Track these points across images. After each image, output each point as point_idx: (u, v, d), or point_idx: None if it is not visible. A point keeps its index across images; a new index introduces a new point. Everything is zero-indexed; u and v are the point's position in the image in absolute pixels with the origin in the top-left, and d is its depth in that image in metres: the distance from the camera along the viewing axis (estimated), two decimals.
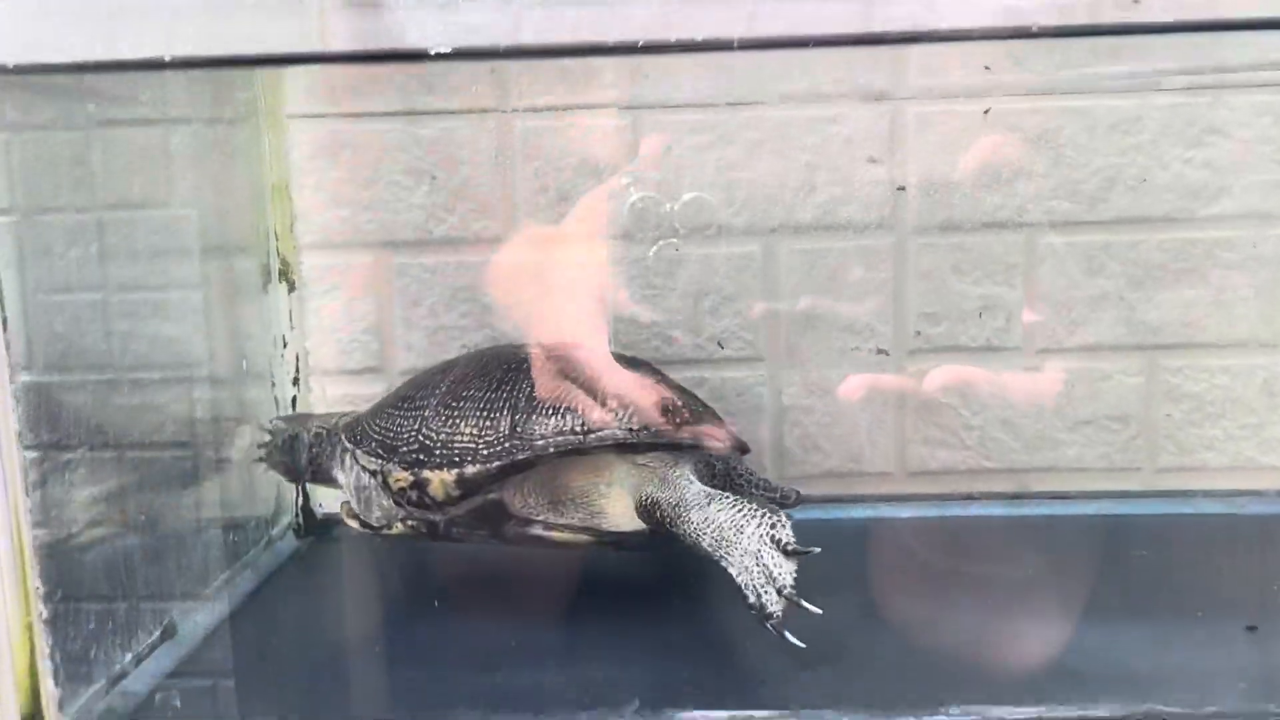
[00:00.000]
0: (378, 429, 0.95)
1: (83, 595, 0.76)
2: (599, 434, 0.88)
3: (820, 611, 0.77)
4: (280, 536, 1.13)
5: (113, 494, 0.84)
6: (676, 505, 0.86)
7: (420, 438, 0.91)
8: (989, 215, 1.18)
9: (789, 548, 0.80)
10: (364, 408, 1.05)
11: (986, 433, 1.21)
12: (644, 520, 0.89)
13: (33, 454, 0.71)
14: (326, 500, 1.19)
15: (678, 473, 0.90)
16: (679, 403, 0.93)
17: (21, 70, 0.66)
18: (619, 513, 0.91)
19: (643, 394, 0.92)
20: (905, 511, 1.18)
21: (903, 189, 1.18)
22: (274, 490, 1.15)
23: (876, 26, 0.74)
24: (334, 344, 1.22)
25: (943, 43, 0.79)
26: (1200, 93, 1.16)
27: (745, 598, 0.80)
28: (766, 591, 0.79)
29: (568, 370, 0.93)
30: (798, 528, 0.82)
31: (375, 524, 0.96)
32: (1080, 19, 0.76)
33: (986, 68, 1.13)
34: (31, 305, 0.75)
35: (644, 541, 0.92)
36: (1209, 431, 1.20)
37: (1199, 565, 1.02)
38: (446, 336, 1.22)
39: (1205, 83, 1.15)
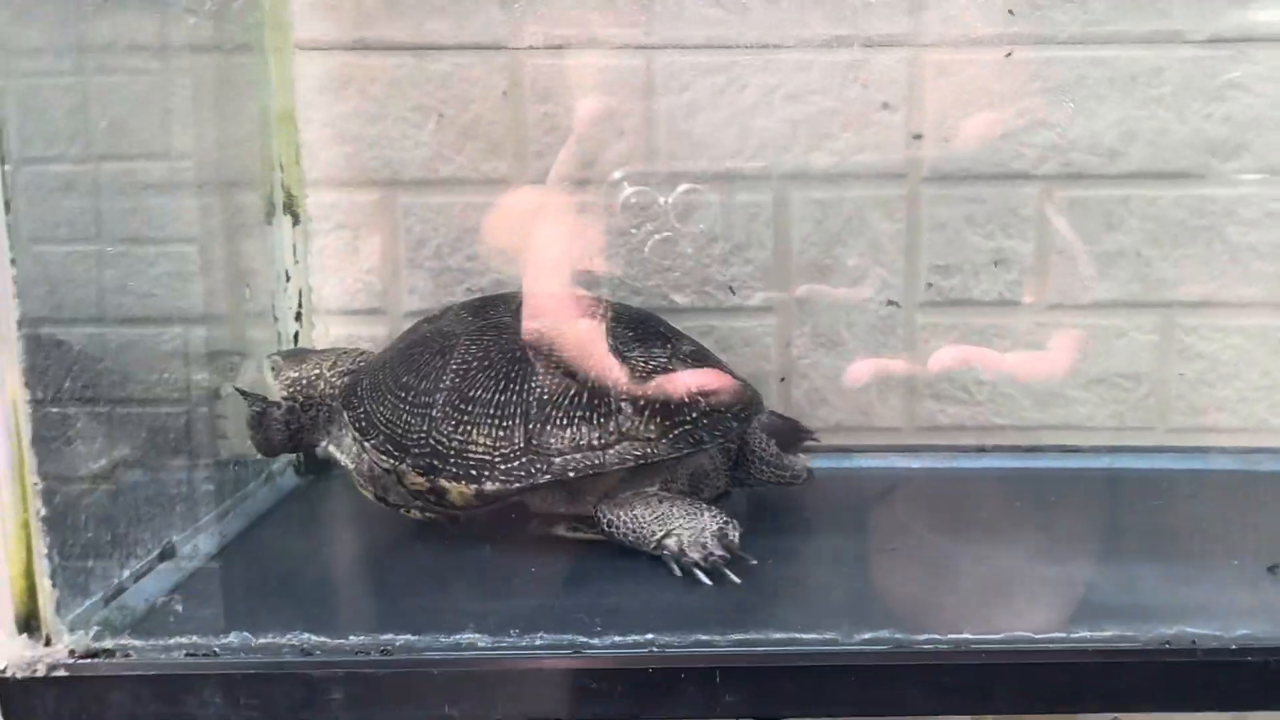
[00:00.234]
0: (384, 421, 0.91)
1: (82, 505, 0.74)
2: (617, 450, 0.85)
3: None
4: (281, 473, 1.10)
5: (113, 418, 0.82)
6: (619, 501, 0.87)
7: (432, 441, 0.87)
8: (1004, 166, 1.16)
9: (729, 542, 0.83)
10: (352, 363, 1.03)
11: (997, 389, 1.20)
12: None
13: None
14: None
15: (664, 476, 0.90)
16: (694, 389, 0.89)
17: None
18: None
19: (656, 388, 0.88)
20: (916, 462, 1.16)
21: (919, 137, 1.16)
22: None
23: None
24: (337, 283, 1.20)
25: None
26: (1222, 45, 1.14)
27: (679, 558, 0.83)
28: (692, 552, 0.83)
29: (574, 359, 0.89)
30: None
31: (391, 503, 0.94)
32: None
33: (1010, 12, 1.12)
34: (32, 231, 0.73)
35: None
36: (1221, 392, 1.19)
37: (1214, 515, 1.01)
38: (452, 279, 1.19)
39: (1227, 35, 1.14)
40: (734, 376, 0.96)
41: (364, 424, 0.91)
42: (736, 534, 0.83)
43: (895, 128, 1.17)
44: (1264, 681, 0.67)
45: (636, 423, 0.86)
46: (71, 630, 0.69)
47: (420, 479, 0.87)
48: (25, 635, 0.68)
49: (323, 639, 0.69)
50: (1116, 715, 0.71)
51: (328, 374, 1.01)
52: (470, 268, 1.19)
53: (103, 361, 0.80)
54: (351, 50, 1.16)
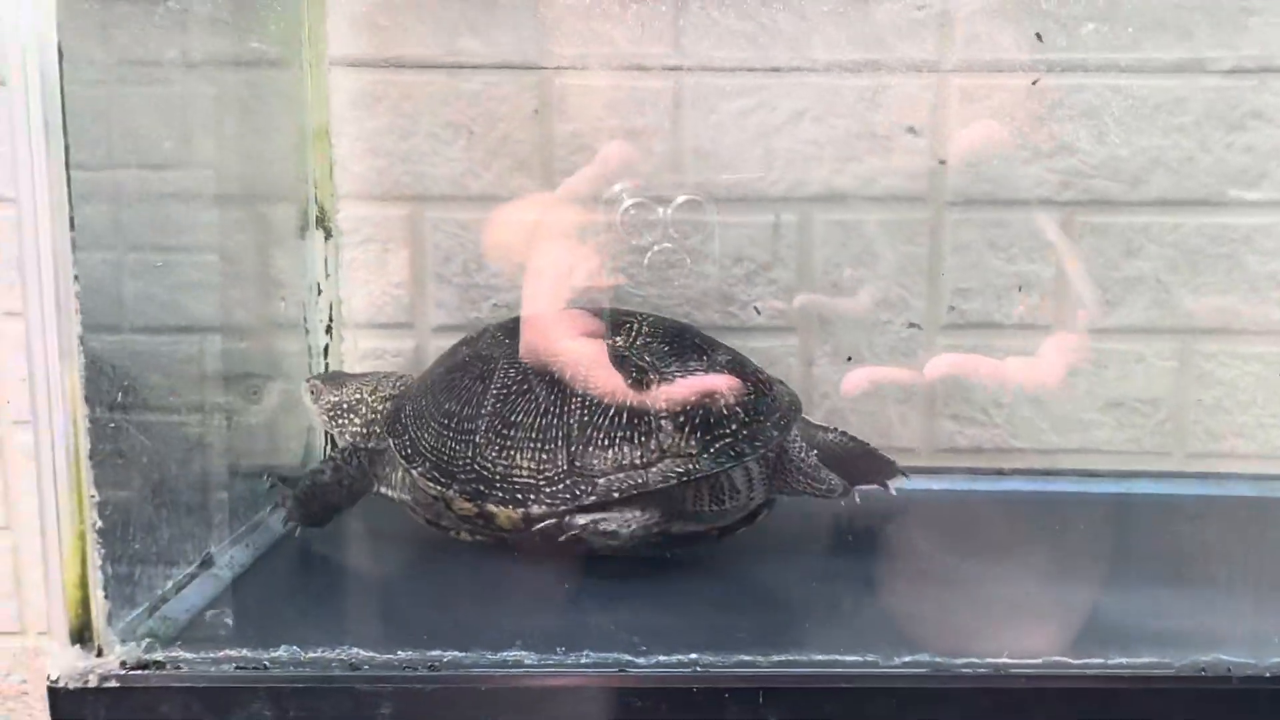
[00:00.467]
0: (429, 448, 0.92)
1: (131, 517, 0.75)
2: (659, 468, 0.86)
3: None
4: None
5: (157, 429, 0.82)
6: None
7: (477, 467, 0.89)
8: (1028, 192, 1.18)
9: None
10: (394, 388, 1.03)
11: (1015, 411, 1.21)
12: None
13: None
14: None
15: None
16: (732, 401, 0.90)
17: None
18: None
19: (694, 403, 0.89)
20: (937, 484, 1.17)
21: (943, 162, 1.18)
22: (303, 439, 1.13)
23: None
24: (366, 296, 1.21)
25: None
26: (1245, 76, 1.16)
27: None
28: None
29: (612, 378, 0.90)
30: None
31: (444, 527, 0.95)
32: None
33: (1038, 35, 1.13)
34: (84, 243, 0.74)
35: (710, 540, 0.93)
36: (1239, 418, 1.20)
37: (1235, 541, 1.02)
38: (478, 294, 1.20)
39: (1249, 66, 1.16)
40: (772, 382, 0.97)
41: (410, 451, 0.93)
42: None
43: (920, 152, 1.18)
44: None
45: (677, 439, 0.87)
46: (122, 641, 0.70)
47: (468, 504, 0.89)
48: (78, 646, 0.68)
49: (371, 654, 0.70)
50: None
51: (369, 399, 1.01)
52: (496, 283, 1.20)
53: (148, 373, 0.81)
54: (385, 67, 1.17)
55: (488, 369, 0.93)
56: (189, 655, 0.70)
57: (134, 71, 0.83)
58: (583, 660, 0.70)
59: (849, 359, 1.20)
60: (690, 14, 1.16)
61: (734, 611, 0.82)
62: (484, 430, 0.89)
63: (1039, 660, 0.70)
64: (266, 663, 0.69)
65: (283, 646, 0.70)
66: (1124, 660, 0.70)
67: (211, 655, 0.70)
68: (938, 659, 0.71)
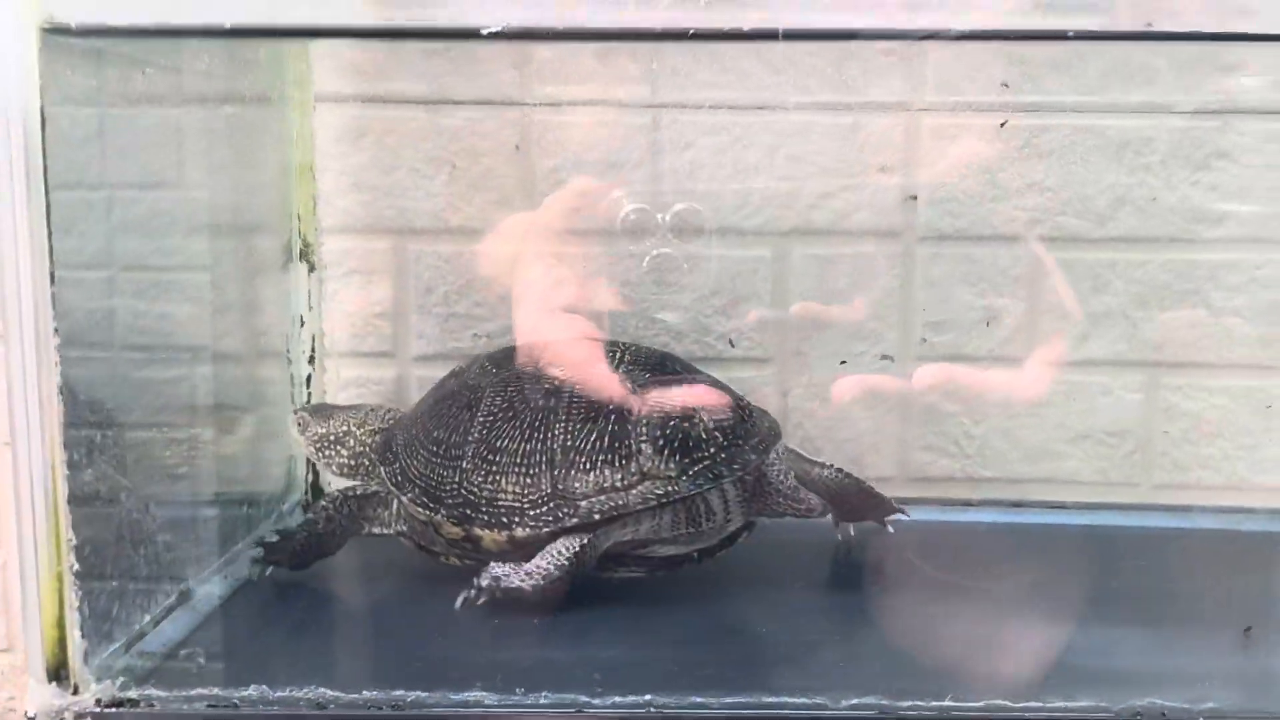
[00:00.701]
0: (418, 474, 0.95)
1: (106, 555, 0.77)
2: (639, 490, 0.89)
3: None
4: (290, 513, 1.14)
5: (133, 463, 0.85)
6: None
7: (463, 492, 0.92)
8: (997, 228, 1.20)
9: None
10: (382, 422, 1.05)
11: (986, 442, 1.23)
12: None
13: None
14: (337, 479, 1.19)
15: None
16: (711, 425, 0.93)
17: (86, 32, 0.68)
18: None
19: (675, 425, 0.91)
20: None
21: (914, 198, 1.20)
22: (284, 467, 1.16)
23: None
24: (349, 326, 1.23)
25: (965, 41, 0.81)
26: (1210, 117, 1.18)
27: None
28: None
29: (595, 405, 0.92)
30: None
31: (434, 552, 0.97)
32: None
33: (1004, 84, 1.16)
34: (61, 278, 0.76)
35: (690, 563, 0.95)
36: (1205, 450, 1.23)
37: (1195, 576, 1.04)
38: (459, 324, 1.23)
39: (1213, 107, 1.18)
40: (751, 408, 0.99)
41: (400, 479, 0.95)
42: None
43: (891, 189, 1.21)
44: None
45: (657, 462, 0.90)
46: (98, 679, 0.72)
47: (455, 529, 0.92)
48: (54, 684, 0.71)
49: (337, 694, 0.72)
50: None
51: (357, 432, 1.04)
52: (477, 314, 1.23)
53: (129, 405, 0.83)
54: (368, 103, 1.20)
55: (475, 397, 0.96)
56: (162, 694, 0.72)
57: (120, 105, 0.86)
58: (541, 700, 0.72)
59: (843, 362, 1.22)
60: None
61: (699, 647, 0.84)
62: (470, 456, 0.92)
63: (981, 703, 0.73)
64: (237, 701, 0.72)
65: (252, 686, 0.72)
66: (1062, 703, 0.73)
67: (184, 694, 0.72)
68: (884, 701, 0.73)
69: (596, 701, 0.72)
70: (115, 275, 0.85)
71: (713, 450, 0.91)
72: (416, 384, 1.22)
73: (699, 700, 0.73)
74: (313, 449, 1.05)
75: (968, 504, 1.22)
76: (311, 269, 1.19)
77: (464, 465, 0.92)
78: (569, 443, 0.91)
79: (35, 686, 0.70)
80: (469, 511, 0.91)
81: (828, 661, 0.82)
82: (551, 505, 0.89)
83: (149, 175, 0.92)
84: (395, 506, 0.98)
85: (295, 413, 1.08)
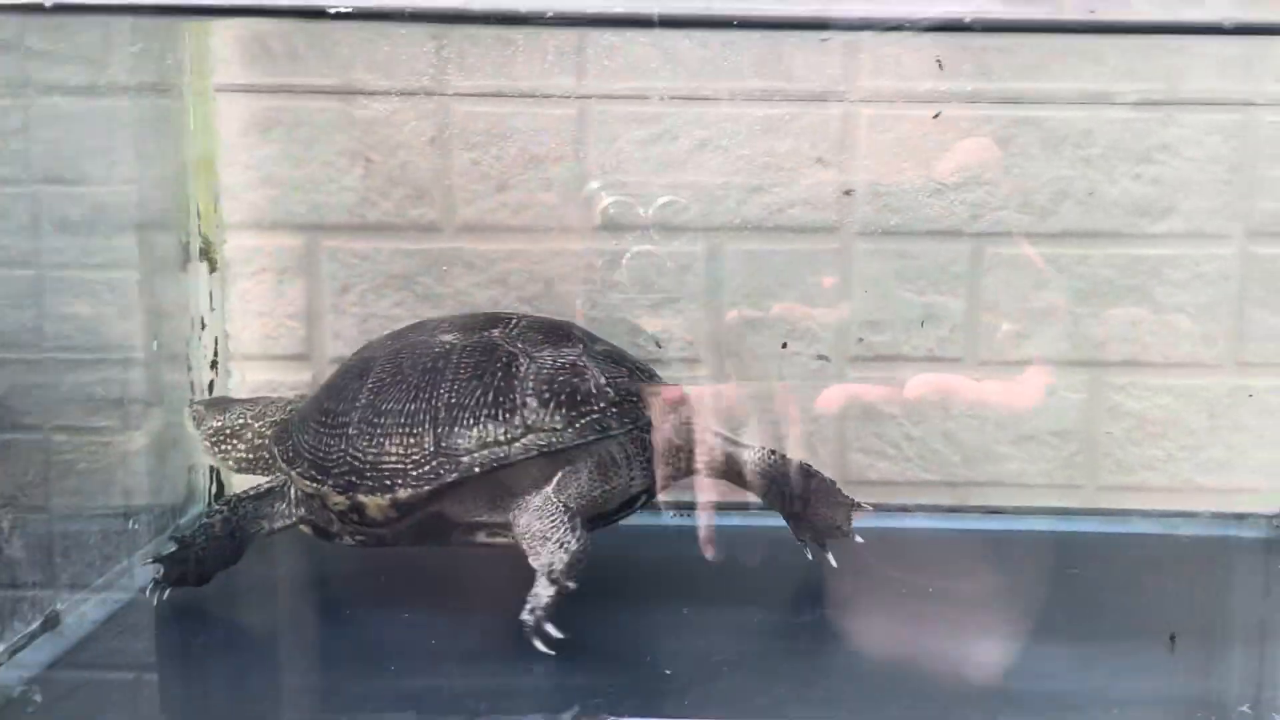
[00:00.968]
0: (308, 447, 0.92)
1: None
2: (523, 442, 0.86)
3: (561, 635, 0.80)
4: (189, 526, 1.08)
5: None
6: (521, 504, 0.87)
7: (349, 459, 0.89)
8: (935, 223, 1.16)
9: (554, 576, 0.83)
10: (282, 414, 1.01)
11: (927, 444, 1.20)
12: None
13: None
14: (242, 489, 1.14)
15: (566, 467, 0.88)
16: (602, 381, 0.90)
17: None
18: None
19: (563, 380, 0.89)
20: None
21: (850, 193, 1.16)
22: (184, 477, 1.10)
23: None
24: (258, 328, 1.18)
25: (893, 32, 0.78)
26: (1152, 108, 1.15)
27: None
28: (531, 602, 0.83)
29: (482, 362, 0.90)
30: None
31: (332, 534, 0.93)
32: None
33: (938, 61, 1.11)
34: None
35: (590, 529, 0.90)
36: (1150, 451, 1.19)
37: (1127, 585, 1.01)
38: (378, 324, 1.18)
39: (1157, 98, 1.14)
40: (654, 374, 0.97)
41: (290, 455, 0.93)
42: (545, 600, 0.83)
43: (827, 183, 1.16)
44: None
45: (542, 415, 0.88)
46: None
47: (340, 498, 0.88)
48: None
49: None
50: None
51: (255, 425, 1.00)
52: (396, 314, 1.18)
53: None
54: (277, 94, 1.14)
55: (366, 367, 0.93)
56: None
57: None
58: None
59: (826, 357, 1.18)
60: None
61: (594, 670, 0.80)
62: (356, 422, 0.89)
63: None
64: None
65: None
66: None
67: None
68: None
69: None
70: None
71: (602, 405, 0.89)
72: None
73: None
74: (208, 443, 1.01)
75: (904, 509, 1.18)
76: (213, 268, 1.13)
77: (350, 432, 0.89)
78: (453, 400, 0.88)
79: None
80: (354, 479, 0.88)
81: (740, 685, 0.78)
82: (434, 463, 0.86)
83: (28, 170, 0.86)
84: (293, 492, 0.94)
85: (190, 406, 1.04)
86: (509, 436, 0.87)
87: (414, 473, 0.86)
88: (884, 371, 1.19)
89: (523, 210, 1.16)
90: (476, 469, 0.85)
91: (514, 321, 0.96)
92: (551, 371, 0.90)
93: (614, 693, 0.75)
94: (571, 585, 0.83)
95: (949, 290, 1.17)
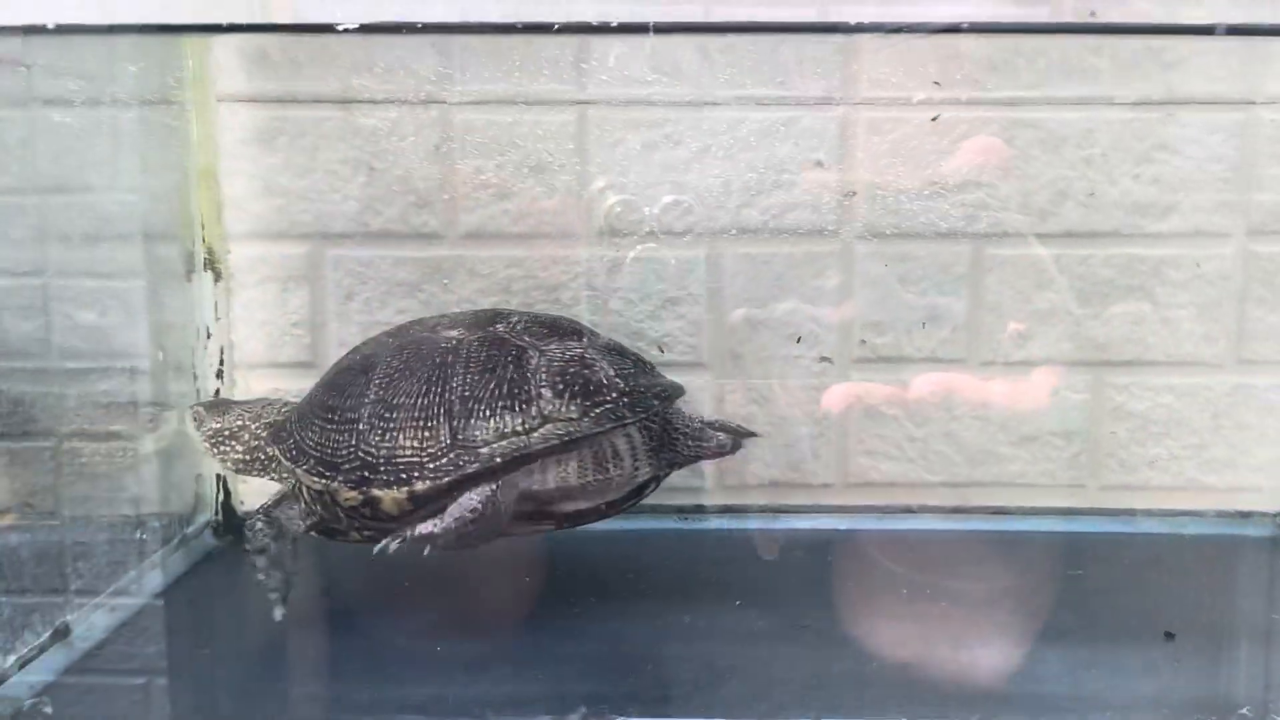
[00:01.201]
0: (313, 445, 0.91)
1: None
2: (542, 432, 0.87)
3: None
4: (196, 535, 1.08)
5: (10, 485, 0.80)
6: None
7: (360, 454, 0.88)
8: (936, 224, 1.16)
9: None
10: (279, 414, 1.01)
11: (929, 445, 1.20)
12: None
13: None
14: (250, 498, 1.15)
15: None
16: (612, 373, 0.91)
17: None
18: None
19: (575, 372, 0.90)
20: (844, 523, 1.16)
21: (851, 195, 1.16)
22: (192, 487, 1.11)
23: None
24: (263, 337, 1.18)
25: (901, 33, 0.78)
26: (1151, 108, 1.15)
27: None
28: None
29: (493, 355, 0.91)
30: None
31: (337, 533, 0.93)
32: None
33: (936, 83, 1.12)
34: None
35: (599, 516, 0.92)
36: (1153, 450, 1.19)
37: (1130, 585, 1.01)
38: (381, 331, 1.18)
39: (1156, 98, 1.14)
40: (654, 366, 0.97)
41: (295, 453, 0.92)
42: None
43: (828, 186, 1.17)
44: None
45: (558, 405, 0.88)
46: None
47: (353, 493, 0.88)
48: None
49: None
50: None
51: (252, 426, 1.00)
52: (400, 321, 1.18)
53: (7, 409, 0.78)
54: (280, 103, 1.15)
55: (369, 364, 0.94)
56: None
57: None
58: None
59: (829, 359, 1.18)
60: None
61: (601, 678, 0.80)
62: (367, 417, 0.89)
63: None
64: None
65: None
66: None
67: None
68: None
69: None
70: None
71: (614, 395, 0.90)
72: None
73: None
74: (208, 444, 1.01)
75: (907, 510, 1.18)
76: (218, 278, 1.14)
77: (360, 427, 0.89)
78: (467, 393, 0.88)
79: None
80: (366, 474, 0.88)
81: (738, 687, 0.78)
82: (452, 455, 0.86)
83: (33, 180, 0.87)
84: (304, 492, 0.94)
85: (192, 408, 1.03)
86: (527, 427, 0.87)
87: (430, 465, 0.87)
88: (886, 373, 1.19)
89: (524, 217, 1.17)
90: (498, 459, 0.86)
91: (515, 318, 0.97)
92: (563, 364, 0.90)
93: (618, 697, 0.75)
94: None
95: (950, 292, 1.17)
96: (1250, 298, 1.16)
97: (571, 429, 0.87)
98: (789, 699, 0.74)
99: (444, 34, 0.99)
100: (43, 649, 0.79)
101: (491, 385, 0.89)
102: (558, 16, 0.61)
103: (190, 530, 1.08)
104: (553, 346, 0.92)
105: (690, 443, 0.96)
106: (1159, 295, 1.17)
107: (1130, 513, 1.17)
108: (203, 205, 1.12)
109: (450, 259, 1.18)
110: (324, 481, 0.89)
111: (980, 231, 1.16)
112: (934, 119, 1.13)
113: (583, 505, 0.92)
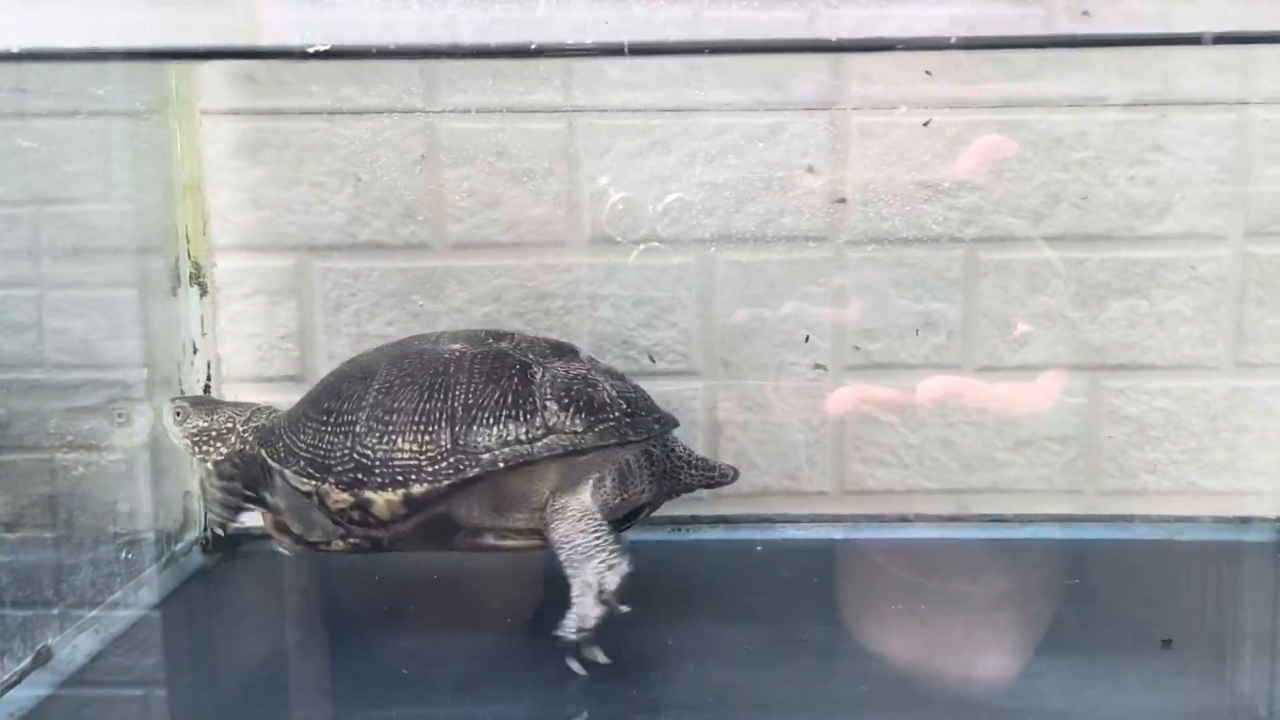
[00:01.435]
0: (304, 446, 0.91)
1: None
2: (545, 442, 0.87)
3: (607, 660, 0.82)
4: (185, 553, 1.07)
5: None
6: (558, 510, 0.88)
7: (356, 456, 0.88)
8: (929, 229, 1.15)
9: (605, 597, 0.83)
10: (268, 419, 1.00)
11: (925, 451, 1.19)
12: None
13: None
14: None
15: (595, 475, 0.90)
16: (614, 393, 0.91)
17: None
18: None
19: (579, 389, 0.90)
20: (840, 533, 1.15)
21: (843, 201, 1.15)
22: (180, 504, 1.10)
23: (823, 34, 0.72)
24: (251, 350, 1.17)
25: (890, 51, 0.77)
26: (1145, 109, 1.14)
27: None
28: (570, 619, 0.84)
29: (497, 368, 0.90)
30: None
31: (313, 541, 0.92)
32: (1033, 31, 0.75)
33: (928, 72, 1.11)
34: None
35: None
36: (1150, 454, 1.18)
37: (1127, 594, 1.00)
38: (372, 344, 1.16)
39: (1150, 99, 1.13)
40: (648, 395, 0.98)
41: (283, 455, 0.92)
42: (592, 620, 0.84)
43: (819, 191, 1.16)
44: None
45: (562, 418, 0.88)
46: None
47: (344, 494, 0.88)
48: None
49: None
50: None
51: (240, 429, 0.98)
52: (389, 333, 1.17)
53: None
54: (264, 115, 1.14)
55: (370, 371, 0.93)
56: None
57: None
58: None
59: (823, 367, 1.17)
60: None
61: (583, 700, 0.79)
62: (365, 420, 0.89)
63: None
64: None
65: None
66: None
67: None
68: None
69: None
70: None
71: (616, 414, 0.90)
72: None
73: None
74: (188, 442, 0.98)
75: (904, 519, 1.17)
76: (204, 292, 1.13)
77: (357, 430, 0.89)
78: (470, 400, 0.89)
79: None
80: (360, 475, 0.87)
81: (733, 707, 0.77)
82: (452, 459, 0.86)
83: (18, 194, 0.86)
84: (277, 481, 0.93)
85: (173, 401, 0.99)
86: (530, 436, 0.87)
87: (429, 469, 0.86)
88: (880, 380, 1.18)
89: (514, 226, 1.16)
90: (500, 464, 0.86)
91: (517, 337, 0.97)
92: (567, 380, 0.91)
93: (611, 717, 0.74)
94: (625, 609, 0.83)
95: (944, 297, 1.16)
96: (1248, 299, 1.15)
97: (575, 441, 0.87)
98: (786, 709, 0.73)
99: (419, 59, 0.98)
100: (23, 674, 0.78)
101: (496, 395, 0.89)
102: (533, 37, 0.60)
103: (179, 548, 1.07)
104: (557, 364, 0.93)
105: (694, 472, 0.97)
106: (1155, 298, 1.16)
107: (1129, 519, 1.16)
108: (188, 219, 1.11)
109: (440, 269, 1.17)
110: (313, 483, 0.89)
111: (974, 236, 1.15)
112: (926, 123, 1.12)
113: None
